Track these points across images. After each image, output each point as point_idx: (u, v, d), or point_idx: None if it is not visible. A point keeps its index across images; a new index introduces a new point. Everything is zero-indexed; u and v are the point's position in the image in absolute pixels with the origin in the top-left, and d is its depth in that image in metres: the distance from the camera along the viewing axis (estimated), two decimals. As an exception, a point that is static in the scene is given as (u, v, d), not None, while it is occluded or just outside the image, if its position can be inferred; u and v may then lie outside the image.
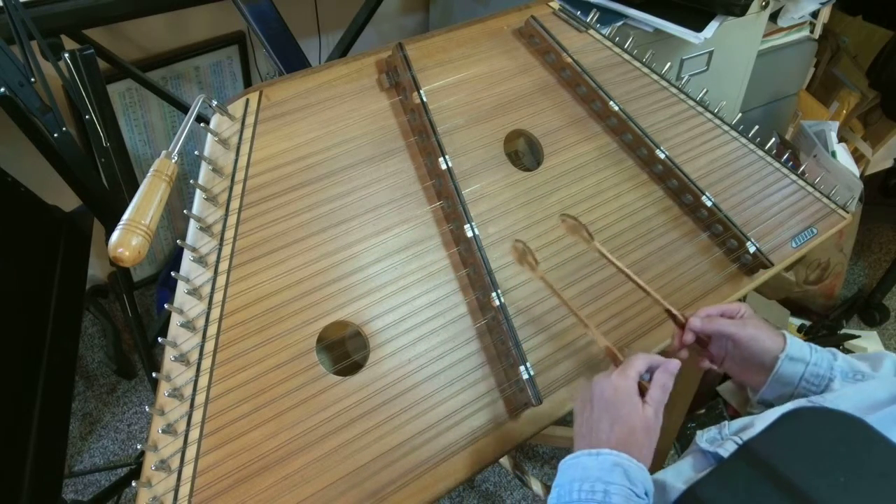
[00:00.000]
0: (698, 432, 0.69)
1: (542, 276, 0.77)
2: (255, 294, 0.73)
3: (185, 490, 0.64)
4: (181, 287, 0.71)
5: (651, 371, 0.67)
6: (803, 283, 1.79)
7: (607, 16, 1.30)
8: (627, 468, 0.59)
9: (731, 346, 0.74)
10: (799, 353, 0.70)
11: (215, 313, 0.71)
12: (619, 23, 1.29)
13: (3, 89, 0.96)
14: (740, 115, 1.14)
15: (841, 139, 1.67)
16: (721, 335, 0.74)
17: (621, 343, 0.83)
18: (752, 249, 0.90)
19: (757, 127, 1.04)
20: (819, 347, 0.71)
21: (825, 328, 1.79)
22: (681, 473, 0.65)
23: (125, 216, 0.65)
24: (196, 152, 0.77)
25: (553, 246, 0.86)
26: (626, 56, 1.04)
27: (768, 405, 0.72)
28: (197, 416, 0.67)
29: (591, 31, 1.04)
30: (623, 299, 0.86)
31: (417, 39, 0.94)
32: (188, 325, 0.70)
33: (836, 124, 1.67)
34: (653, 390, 0.64)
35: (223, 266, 0.73)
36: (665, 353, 0.71)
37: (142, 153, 1.70)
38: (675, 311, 0.77)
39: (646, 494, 0.59)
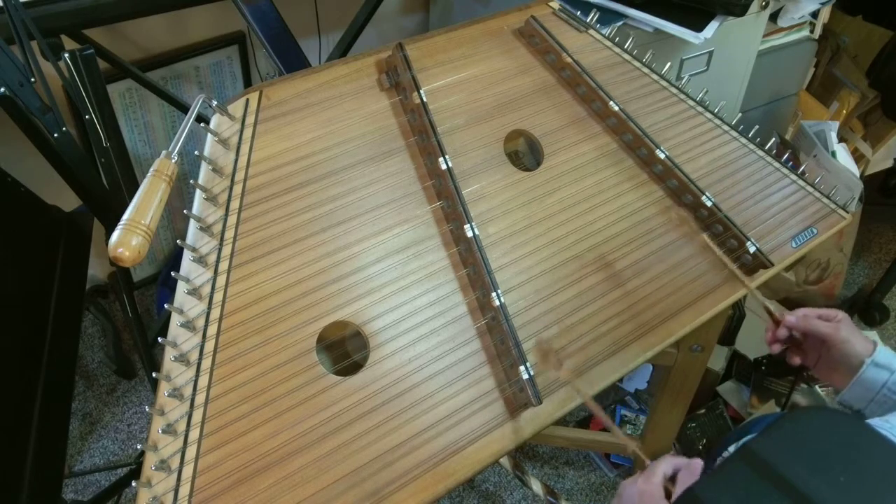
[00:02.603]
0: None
1: (568, 378, 0.77)
2: (255, 294, 0.73)
3: (185, 490, 0.64)
4: (181, 287, 0.71)
5: (676, 473, 0.68)
6: (803, 283, 1.79)
7: (607, 16, 1.30)
8: None
9: (824, 347, 0.77)
10: (885, 360, 0.73)
11: (215, 313, 0.71)
12: (619, 23, 1.29)
13: (3, 89, 0.96)
14: (740, 115, 1.14)
15: (841, 139, 1.67)
16: (815, 334, 0.78)
17: (619, 345, 0.83)
18: (752, 249, 0.90)
19: (757, 127, 1.04)
20: None
21: (825, 328, 1.79)
22: None
23: (125, 216, 0.65)
24: (196, 152, 0.77)
25: (552, 246, 0.86)
26: (626, 56, 1.04)
27: (848, 407, 0.74)
28: (197, 416, 0.67)
29: (591, 31, 1.04)
30: (621, 300, 0.86)
31: (417, 39, 0.94)
32: (188, 325, 0.70)
33: (836, 124, 1.67)
34: (678, 492, 0.66)
35: (223, 266, 0.73)
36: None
37: (142, 153, 1.71)
38: (770, 308, 0.82)
39: None
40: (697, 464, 0.68)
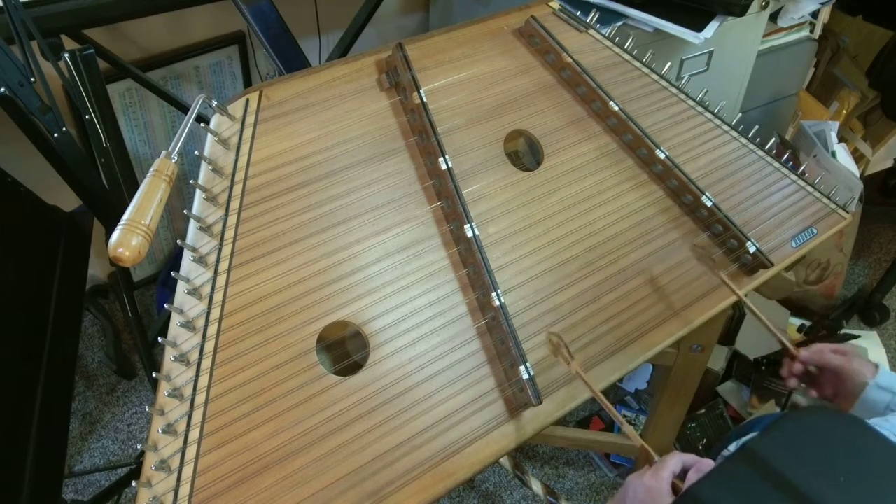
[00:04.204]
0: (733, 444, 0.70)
1: (578, 371, 0.77)
2: (255, 294, 0.73)
3: (185, 490, 0.64)
4: (181, 287, 0.71)
5: (685, 471, 0.68)
6: (803, 283, 1.79)
7: (607, 16, 1.30)
8: None
9: (838, 380, 0.80)
10: (887, 383, 0.75)
11: (215, 313, 0.71)
12: (619, 23, 1.29)
13: (3, 89, 0.96)
14: (740, 115, 1.14)
15: (841, 139, 1.67)
16: (827, 367, 0.81)
17: (619, 344, 0.83)
18: (752, 249, 0.90)
19: (757, 127, 1.04)
20: None
21: (825, 328, 1.79)
22: None
23: (125, 216, 0.65)
24: (196, 152, 0.77)
25: (553, 246, 0.86)
26: (626, 56, 1.04)
27: None
28: (197, 416, 0.67)
29: (591, 31, 1.04)
30: (621, 300, 0.86)
31: (417, 39, 0.94)
32: (188, 325, 0.70)
33: (836, 124, 1.67)
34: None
35: (223, 266, 0.73)
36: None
37: (142, 153, 1.71)
38: (788, 345, 0.84)
39: None
40: (707, 464, 0.68)
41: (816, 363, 0.83)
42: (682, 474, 0.67)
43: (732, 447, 0.90)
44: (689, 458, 0.69)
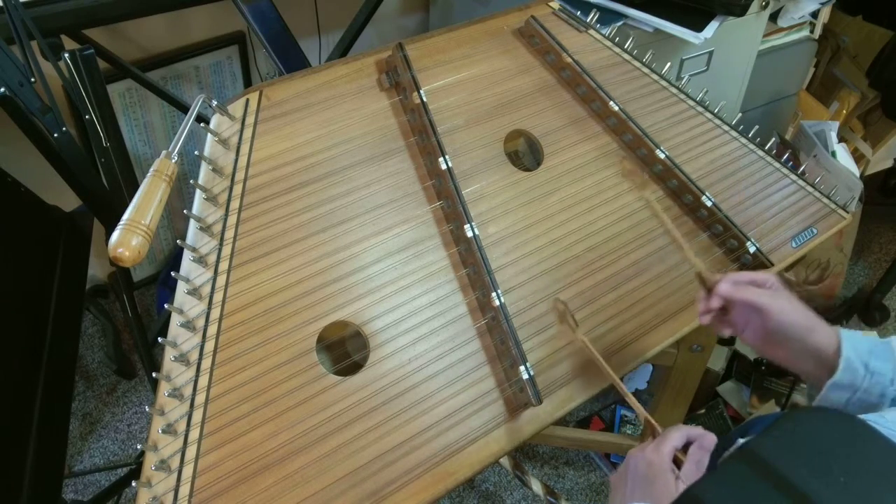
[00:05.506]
0: (740, 440, 0.68)
1: (583, 339, 0.77)
2: (255, 294, 0.73)
3: (185, 490, 0.64)
4: (181, 287, 0.71)
5: (688, 444, 0.66)
6: (803, 283, 1.79)
7: (607, 16, 1.30)
8: None
9: (756, 316, 0.71)
10: (849, 381, 0.66)
11: (215, 313, 0.71)
12: (619, 23, 1.29)
13: (3, 89, 0.95)
14: (740, 115, 1.14)
15: (841, 139, 1.67)
16: (750, 305, 0.70)
17: (619, 344, 0.83)
18: (752, 249, 0.90)
19: (757, 127, 1.04)
20: (879, 367, 0.65)
21: (825, 328, 1.79)
22: None
23: (125, 216, 0.65)
24: (196, 152, 0.77)
25: (553, 246, 0.86)
26: (626, 56, 1.04)
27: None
28: (197, 416, 0.67)
29: (591, 31, 1.04)
30: (621, 300, 0.86)
31: (417, 39, 0.94)
32: (188, 325, 0.70)
33: (836, 124, 1.67)
34: (687, 466, 0.64)
35: (223, 266, 0.73)
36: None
37: (142, 153, 1.70)
38: (705, 274, 0.75)
39: None
40: (711, 439, 0.65)
41: (736, 299, 0.71)
42: (687, 449, 0.65)
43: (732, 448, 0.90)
44: (694, 431, 0.66)
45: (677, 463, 0.64)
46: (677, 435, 0.66)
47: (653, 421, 0.72)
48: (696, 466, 0.64)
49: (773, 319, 0.69)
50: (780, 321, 0.69)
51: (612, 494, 0.67)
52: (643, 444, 0.67)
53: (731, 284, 0.72)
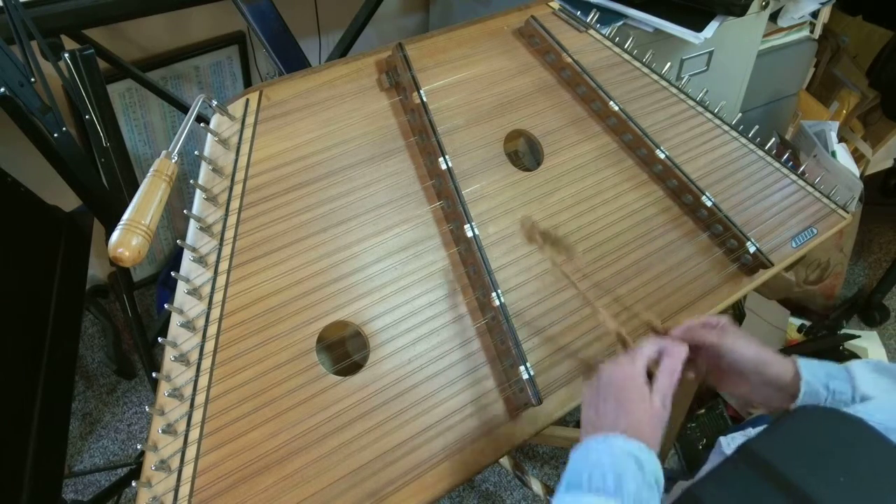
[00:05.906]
0: (721, 438, 0.68)
1: (551, 255, 0.76)
2: (255, 294, 0.73)
3: (185, 490, 0.64)
4: (181, 287, 0.71)
5: (661, 355, 0.66)
6: (803, 283, 1.79)
7: (607, 16, 1.30)
8: (638, 456, 0.58)
9: (712, 356, 0.73)
10: (812, 403, 0.67)
11: (215, 313, 0.71)
12: (619, 23, 1.29)
13: (3, 89, 0.96)
14: (740, 115, 1.14)
15: (841, 139, 1.67)
16: (700, 344, 0.73)
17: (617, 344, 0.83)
18: (752, 249, 0.90)
19: (757, 127, 1.04)
20: (839, 387, 0.67)
21: (825, 328, 1.79)
22: None
23: (125, 216, 0.65)
24: (196, 152, 0.77)
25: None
26: (626, 56, 1.04)
27: None
28: (197, 416, 0.67)
29: (591, 31, 1.04)
30: (621, 300, 0.86)
31: (417, 39, 0.94)
32: (188, 325, 0.70)
33: (836, 124, 1.67)
34: (660, 377, 0.64)
35: (223, 266, 0.73)
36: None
37: (142, 153, 1.70)
38: (656, 324, 0.78)
39: (656, 483, 0.58)
40: (683, 349, 0.66)
41: (689, 341, 0.73)
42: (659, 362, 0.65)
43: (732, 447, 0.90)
44: (665, 342, 0.66)
45: (650, 375, 0.64)
46: (650, 347, 0.66)
47: (625, 334, 0.71)
48: (669, 377, 0.64)
49: (725, 358, 0.71)
50: (732, 359, 0.71)
51: (585, 410, 0.65)
52: (616, 357, 0.66)
53: (684, 329, 0.74)
